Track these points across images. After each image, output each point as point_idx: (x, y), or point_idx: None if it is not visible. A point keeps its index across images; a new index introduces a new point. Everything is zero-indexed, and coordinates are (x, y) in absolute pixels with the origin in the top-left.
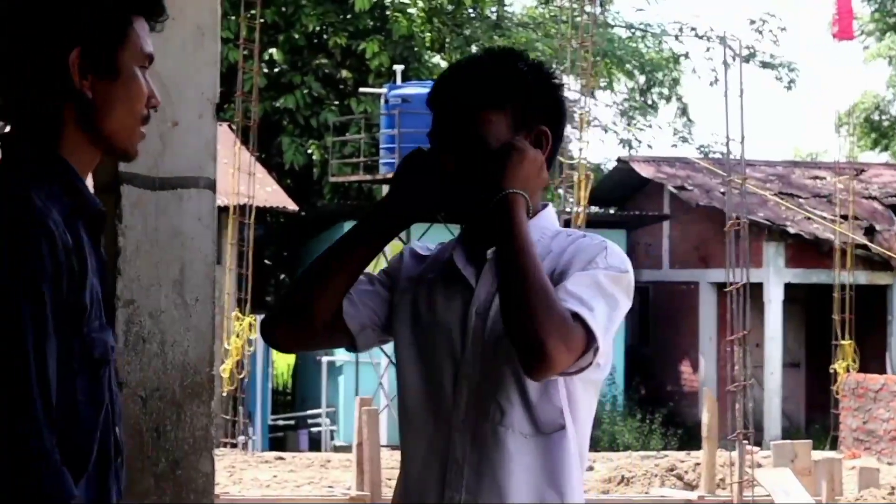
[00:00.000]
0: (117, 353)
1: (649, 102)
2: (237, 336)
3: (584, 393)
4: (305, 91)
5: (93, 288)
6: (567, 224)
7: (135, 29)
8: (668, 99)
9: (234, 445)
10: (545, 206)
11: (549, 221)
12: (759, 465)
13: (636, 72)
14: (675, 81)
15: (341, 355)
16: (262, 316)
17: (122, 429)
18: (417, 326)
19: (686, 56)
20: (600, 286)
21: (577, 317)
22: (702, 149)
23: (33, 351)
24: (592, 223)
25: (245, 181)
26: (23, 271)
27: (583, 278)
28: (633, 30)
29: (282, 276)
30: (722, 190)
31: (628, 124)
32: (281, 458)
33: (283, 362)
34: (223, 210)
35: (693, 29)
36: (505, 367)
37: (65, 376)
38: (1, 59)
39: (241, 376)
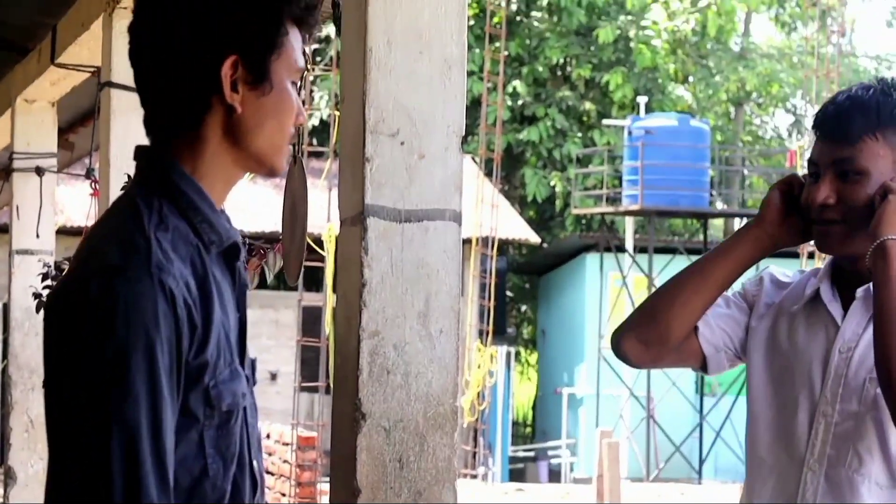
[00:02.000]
0: (362, 384)
1: None
2: (479, 367)
3: None
4: (549, 123)
5: (221, 334)
6: None
7: (290, 39)
8: None
9: (474, 476)
10: None
11: None
12: None
13: None
14: None
15: (582, 387)
16: (503, 346)
17: (262, 460)
18: (774, 354)
19: None
20: None
21: None
22: None
23: (147, 414)
24: None
25: (488, 213)
26: (136, 332)
27: None
28: (879, 61)
29: (523, 308)
30: None
31: None
32: (520, 490)
33: (524, 394)
34: (466, 242)
35: None
36: (867, 413)
37: (188, 432)
38: (149, 67)
39: (482, 407)
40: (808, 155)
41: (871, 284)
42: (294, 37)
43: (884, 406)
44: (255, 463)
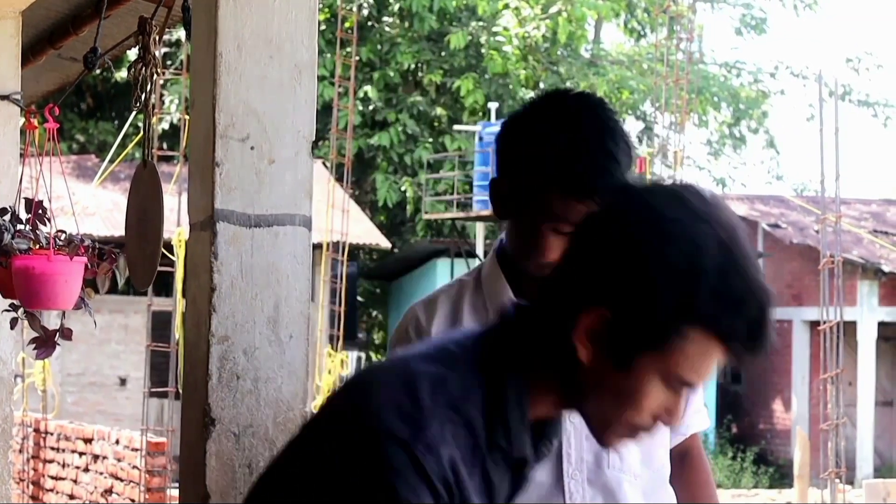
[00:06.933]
0: (211, 389)
1: (738, 136)
2: (329, 372)
3: None
4: (400, 128)
5: None
6: None
7: (692, 340)
8: (756, 131)
9: None
10: None
11: None
12: None
13: (724, 104)
14: (764, 115)
15: None
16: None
17: None
18: None
19: (782, 93)
20: None
21: None
22: (796, 188)
23: None
24: None
25: (339, 218)
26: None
27: None
28: (728, 68)
29: (374, 313)
30: (816, 228)
31: (716, 157)
32: None
33: None
34: (316, 247)
35: (788, 67)
36: None
37: None
38: (585, 275)
39: None
40: (652, 163)
41: None
42: (701, 347)
43: None
44: None
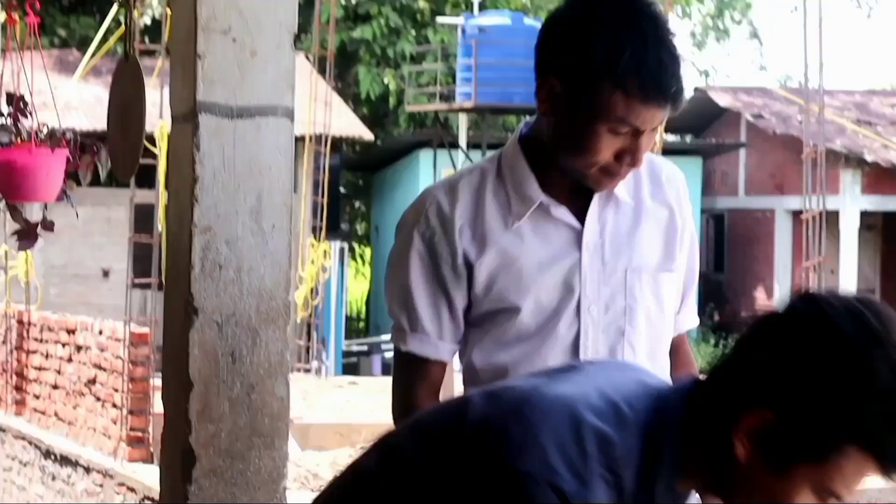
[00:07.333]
0: (194, 280)
1: (721, 28)
2: (312, 262)
3: None
4: (382, 21)
5: None
6: None
7: (851, 458)
8: (740, 23)
9: (307, 370)
10: None
11: None
12: None
13: None
14: (748, 6)
15: None
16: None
17: None
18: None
19: None
20: None
21: None
22: (780, 79)
23: None
24: (668, 151)
25: (322, 111)
26: None
27: None
28: None
29: (357, 205)
30: (799, 118)
31: (699, 49)
32: (354, 383)
33: (358, 290)
34: (299, 140)
35: None
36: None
37: None
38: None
39: (315, 302)
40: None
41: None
42: (858, 465)
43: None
44: None
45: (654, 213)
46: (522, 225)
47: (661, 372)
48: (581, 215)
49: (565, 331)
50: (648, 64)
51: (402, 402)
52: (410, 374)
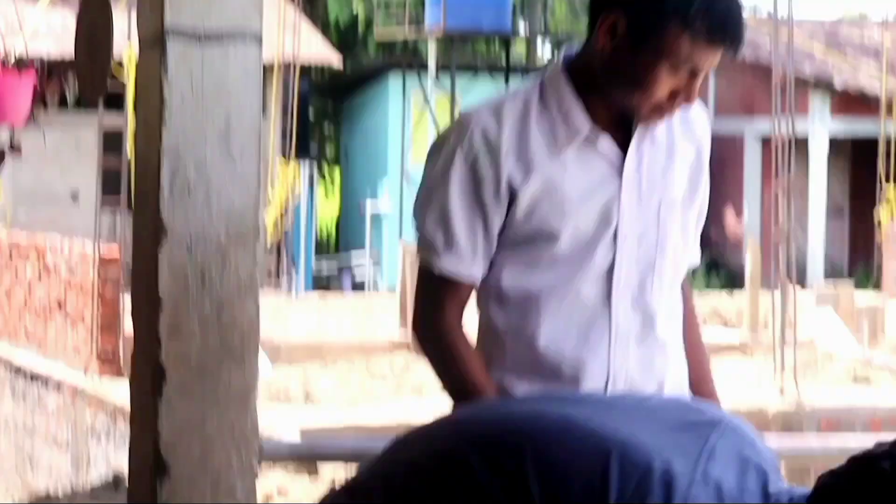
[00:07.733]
0: (163, 202)
1: None
2: (281, 184)
3: None
4: None
5: None
6: None
7: None
8: None
9: (277, 289)
10: None
11: None
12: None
13: None
14: None
15: (385, 203)
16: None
17: None
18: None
19: None
20: None
21: None
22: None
23: None
24: None
25: (290, 37)
26: None
27: None
28: None
29: (326, 130)
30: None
31: None
32: (324, 300)
33: (327, 213)
34: (268, 67)
35: None
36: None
37: None
38: None
39: (286, 226)
40: None
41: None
42: None
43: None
44: None
45: (683, 151)
46: (567, 153)
47: (674, 303)
48: (622, 147)
49: (601, 259)
50: (718, 8)
51: (431, 321)
52: (440, 293)
